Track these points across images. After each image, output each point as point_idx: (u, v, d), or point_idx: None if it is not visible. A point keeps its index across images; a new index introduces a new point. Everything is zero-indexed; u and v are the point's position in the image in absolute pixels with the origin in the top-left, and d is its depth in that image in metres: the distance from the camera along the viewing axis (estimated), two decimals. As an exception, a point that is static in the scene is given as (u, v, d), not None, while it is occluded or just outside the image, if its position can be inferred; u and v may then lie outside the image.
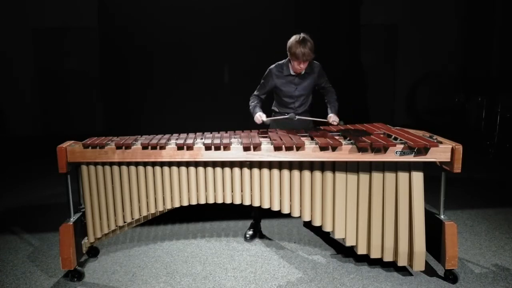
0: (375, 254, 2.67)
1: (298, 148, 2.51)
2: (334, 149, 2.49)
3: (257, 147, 2.53)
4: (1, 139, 7.35)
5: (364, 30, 7.48)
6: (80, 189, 2.75)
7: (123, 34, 6.82)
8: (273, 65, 3.14)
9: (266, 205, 2.70)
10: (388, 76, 8.10)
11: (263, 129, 3.07)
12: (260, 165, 2.65)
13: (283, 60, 3.11)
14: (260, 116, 3.05)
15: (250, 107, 3.16)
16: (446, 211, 2.64)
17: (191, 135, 2.84)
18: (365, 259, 2.83)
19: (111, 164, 2.64)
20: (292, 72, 3.06)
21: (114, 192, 2.68)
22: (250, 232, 3.28)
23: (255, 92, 3.22)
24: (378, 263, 2.80)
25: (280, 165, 2.64)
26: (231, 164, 2.65)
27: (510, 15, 7.04)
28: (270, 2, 6.75)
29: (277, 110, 3.25)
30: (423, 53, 7.93)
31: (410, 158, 2.48)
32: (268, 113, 3.21)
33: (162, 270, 2.82)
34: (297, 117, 3.05)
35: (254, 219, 3.32)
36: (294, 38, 2.92)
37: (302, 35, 2.91)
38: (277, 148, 2.52)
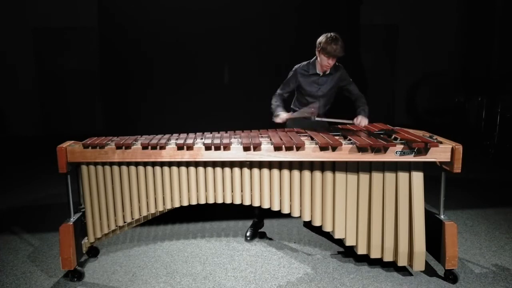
0: (375, 254, 2.67)
1: (298, 148, 2.51)
2: (334, 149, 2.49)
3: (257, 147, 2.53)
4: (1, 139, 7.35)
5: (364, 30, 7.48)
6: (80, 189, 2.75)
7: (123, 34, 6.81)
8: (298, 65, 3.18)
9: (266, 205, 2.70)
10: (388, 76, 8.10)
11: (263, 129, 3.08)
12: (260, 165, 2.65)
13: (308, 61, 3.16)
14: (282, 116, 3.06)
15: (272, 106, 3.16)
16: (446, 211, 2.64)
17: (191, 135, 2.84)
18: (365, 259, 2.83)
19: (111, 164, 2.64)
20: (317, 71, 3.11)
21: (114, 192, 2.68)
22: (250, 232, 3.28)
23: (278, 91, 3.23)
24: (378, 263, 2.80)
25: (280, 165, 2.64)
26: (231, 164, 2.65)
27: (510, 15, 7.04)
28: (271, 2, 6.75)
29: (297, 110, 3.27)
30: (423, 53, 7.93)
31: (410, 158, 2.48)
32: (287, 111, 3.24)
33: (162, 270, 2.82)
34: (317, 118, 3.04)
35: (257, 217, 3.32)
36: (325, 35, 3.00)
37: (333, 34, 3.00)
38: (277, 148, 2.52)
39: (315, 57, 3.11)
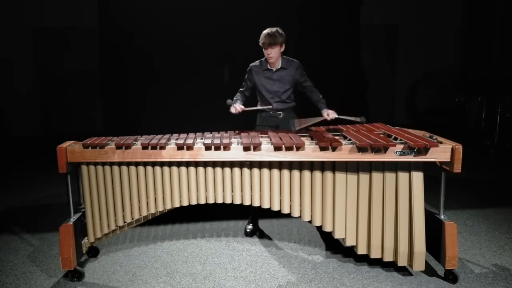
0: (375, 254, 2.67)
1: (298, 148, 2.51)
2: (334, 149, 2.50)
3: (257, 147, 2.53)
4: (1, 139, 7.35)
5: (364, 30, 7.48)
6: (80, 189, 2.75)
7: (123, 34, 6.81)
8: (253, 62, 3.25)
9: (266, 205, 2.70)
10: (388, 76, 8.10)
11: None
12: (260, 165, 2.65)
13: (261, 59, 3.23)
14: (237, 106, 3.08)
15: (233, 101, 3.21)
16: (446, 211, 2.64)
17: (191, 135, 2.85)
18: (365, 259, 2.83)
19: (111, 164, 2.64)
20: (269, 67, 3.16)
21: (114, 192, 2.68)
22: (250, 227, 3.33)
23: (240, 88, 3.31)
24: (378, 263, 2.80)
25: (280, 165, 2.64)
26: (231, 164, 2.65)
27: (510, 15, 7.04)
28: (271, 3, 6.75)
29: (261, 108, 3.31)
30: (423, 53, 7.93)
31: (410, 158, 2.48)
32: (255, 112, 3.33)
33: (162, 270, 2.82)
34: (274, 105, 3.11)
35: (253, 214, 3.35)
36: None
37: (273, 28, 3.06)
38: (277, 148, 2.52)
39: None
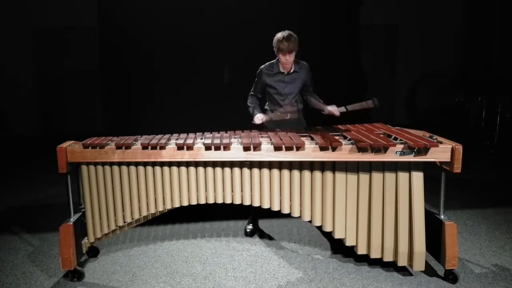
0: (375, 254, 2.67)
1: (298, 148, 2.51)
2: (334, 149, 2.50)
3: (257, 147, 2.53)
4: (1, 139, 7.35)
5: (364, 30, 7.48)
6: (80, 189, 2.75)
7: (123, 34, 6.81)
8: (263, 65, 3.22)
9: (266, 205, 2.70)
10: (388, 76, 8.10)
11: (262, 129, 3.08)
12: (260, 165, 2.65)
13: (272, 61, 3.20)
14: (260, 117, 3.08)
15: (250, 108, 3.23)
16: (446, 211, 2.64)
17: (191, 135, 2.85)
18: (365, 259, 2.83)
19: (111, 164, 2.64)
20: (281, 70, 3.14)
21: (114, 192, 2.69)
22: (250, 227, 3.33)
23: (251, 91, 3.30)
24: (378, 263, 2.80)
25: (280, 165, 2.64)
26: (231, 164, 2.65)
27: (510, 15, 7.04)
28: (271, 3, 6.75)
29: (269, 109, 3.30)
30: (423, 53, 7.94)
31: (410, 158, 2.48)
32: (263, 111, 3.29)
33: (162, 270, 2.82)
34: (283, 108, 3.11)
35: (253, 214, 3.35)
36: (279, 33, 3.04)
37: (287, 31, 3.02)
38: (277, 148, 2.53)
39: (277, 57, 3.15)
